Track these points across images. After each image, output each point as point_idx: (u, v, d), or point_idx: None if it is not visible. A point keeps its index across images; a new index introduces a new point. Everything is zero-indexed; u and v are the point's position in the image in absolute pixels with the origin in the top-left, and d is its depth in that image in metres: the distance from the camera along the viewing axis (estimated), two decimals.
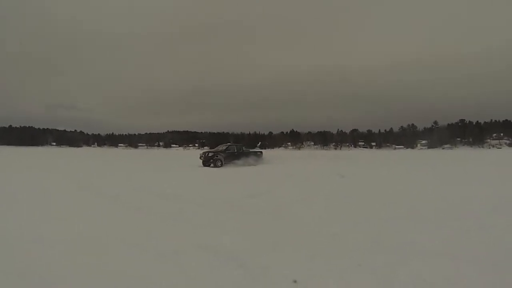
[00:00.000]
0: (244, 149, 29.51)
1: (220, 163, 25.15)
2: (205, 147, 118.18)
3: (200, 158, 26.27)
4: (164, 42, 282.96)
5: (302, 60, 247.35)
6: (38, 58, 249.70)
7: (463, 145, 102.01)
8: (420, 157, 44.14)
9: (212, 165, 25.13)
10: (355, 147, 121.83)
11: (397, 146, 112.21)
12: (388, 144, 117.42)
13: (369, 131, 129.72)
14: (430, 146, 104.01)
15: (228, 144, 30.64)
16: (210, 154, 26.06)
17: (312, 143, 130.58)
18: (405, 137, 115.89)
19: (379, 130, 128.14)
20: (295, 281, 3.75)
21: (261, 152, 30.95)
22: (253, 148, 34.02)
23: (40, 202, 9.16)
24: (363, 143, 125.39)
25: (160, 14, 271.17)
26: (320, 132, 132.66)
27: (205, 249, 4.92)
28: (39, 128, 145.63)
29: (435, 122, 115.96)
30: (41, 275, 3.99)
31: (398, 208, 8.22)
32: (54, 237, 5.62)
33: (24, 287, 3.76)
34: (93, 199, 9.86)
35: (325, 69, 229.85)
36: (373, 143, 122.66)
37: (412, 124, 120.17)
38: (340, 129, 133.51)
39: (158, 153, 70.70)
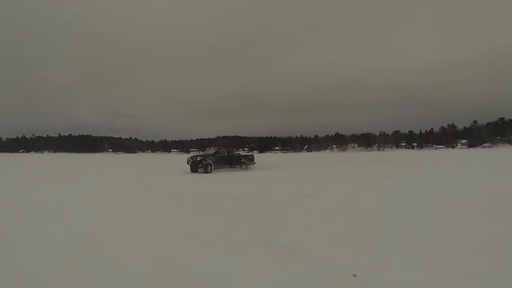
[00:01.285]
0: (234, 152, 27.45)
1: (210, 168, 22.90)
2: (254, 151, 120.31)
3: (188, 163, 23.94)
4: (213, 52, 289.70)
5: (345, 64, 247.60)
6: (95, 73, 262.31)
7: (503, 143, 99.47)
8: (461, 155, 43.50)
9: (201, 170, 22.99)
10: (397, 148, 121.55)
11: (437, 146, 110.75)
12: (429, 144, 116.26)
13: (410, 132, 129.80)
14: (470, 145, 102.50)
15: (218, 147, 27.67)
16: (198, 158, 23.45)
17: (356, 145, 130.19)
18: (445, 136, 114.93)
19: (420, 130, 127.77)
20: (354, 275, 3.85)
21: (252, 156, 28.17)
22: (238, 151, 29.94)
23: (114, 202, 9.88)
24: (405, 144, 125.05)
25: (207, 26, 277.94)
26: (364, 134, 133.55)
27: (269, 245, 5.07)
28: (96, 136, 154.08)
29: (475, 121, 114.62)
30: (128, 265, 4.24)
31: (444, 204, 8.13)
32: (126, 233, 5.98)
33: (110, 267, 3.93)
34: (158, 199, 10.35)
35: (366, 72, 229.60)
36: (415, 144, 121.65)
37: (452, 124, 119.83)
38: (382, 131, 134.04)
39: None
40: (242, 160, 25.91)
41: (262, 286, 3.64)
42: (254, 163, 26.99)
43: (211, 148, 28.85)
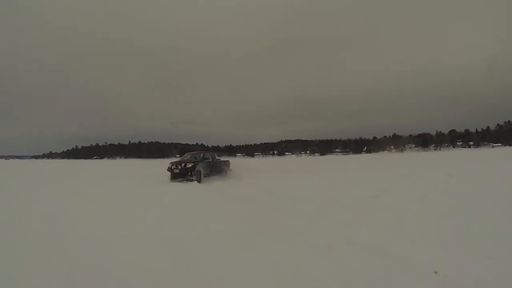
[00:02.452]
0: (216, 158, 23.36)
1: (200, 176, 19.01)
2: (316, 154, 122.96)
3: (169, 170, 19.65)
4: (272, 58, 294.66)
5: (402, 64, 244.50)
6: (161, 83, 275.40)
7: None
8: None
9: (188, 179, 18.79)
10: (453, 147, 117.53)
11: (494, 144, 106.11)
12: (485, 143, 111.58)
13: (466, 130, 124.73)
14: None
15: (204, 152, 22.76)
16: (188, 165, 19.09)
17: (413, 145, 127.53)
18: (502, 134, 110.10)
19: (476, 129, 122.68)
20: (435, 272, 3.87)
21: (228, 161, 24.77)
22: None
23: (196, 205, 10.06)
24: (461, 143, 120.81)
25: (266, 33, 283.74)
26: (420, 134, 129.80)
27: (351, 243, 5.11)
28: (164, 143, 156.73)
29: None
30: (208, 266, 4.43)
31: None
32: (210, 232, 6.08)
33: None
34: (233, 201, 10.59)
35: (421, 70, 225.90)
36: (471, 142, 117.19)
37: (509, 121, 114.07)
38: (438, 131, 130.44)
39: (272, 161, 69.27)
40: (223, 167, 22.82)
41: (352, 281, 3.74)
42: (230, 169, 23.81)
43: (195, 152, 23.52)
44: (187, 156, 22.36)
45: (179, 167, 19.35)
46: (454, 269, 3.96)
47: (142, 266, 4.43)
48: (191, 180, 18.61)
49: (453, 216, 6.79)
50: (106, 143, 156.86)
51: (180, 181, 18.73)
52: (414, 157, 52.29)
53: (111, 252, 5.06)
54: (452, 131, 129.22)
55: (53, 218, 7.76)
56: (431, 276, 3.81)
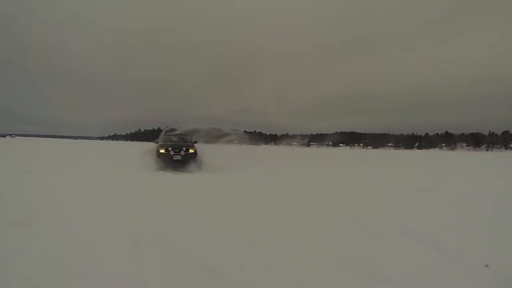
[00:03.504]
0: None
1: (201, 164, 15.19)
2: (369, 147, 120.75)
3: (163, 155, 14.52)
4: (330, 54, 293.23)
5: (457, 62, 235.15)
6: (222, 73, 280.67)
7: None
8: None
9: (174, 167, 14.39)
10: (505, 148, 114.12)
11: None
12: None
13: None
14: None
15: (186, 133, 18.44)
16: (191, 150, 14.98)
17: (465, 144, 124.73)
18: None
19: None
20: (486, 266, 3.81)
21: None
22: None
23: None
24: None
25: (324, 31, 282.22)
26: (472, 133, 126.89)
27: (407, 233, 5.11)
28: (224, 130, 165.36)
29: None
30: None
31: None
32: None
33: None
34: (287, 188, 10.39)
35: (473, 67, 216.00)
36: None
37: None
38: (491, 131, 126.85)
39: (327, 152, 69.52)
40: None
41: (404, 270, 3.70)
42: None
43: (172, 133, 18.65)
44: (170, 137, 16.95)
45: (181, 152, 14.60)
46: (505, 264, 3.91)
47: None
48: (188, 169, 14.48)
49: (503, 215, 6.75)
50: (167, 127, 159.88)
51: (167, 170, 13.98)
52: (465, 156, 50.62)
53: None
54: (505, 132, 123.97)
55: None
56: (482, 269, 3.80)
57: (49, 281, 3.17)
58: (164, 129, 21.64)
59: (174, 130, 20.57)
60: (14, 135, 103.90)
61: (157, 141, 16.76)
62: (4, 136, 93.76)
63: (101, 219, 5.50)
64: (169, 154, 14.52)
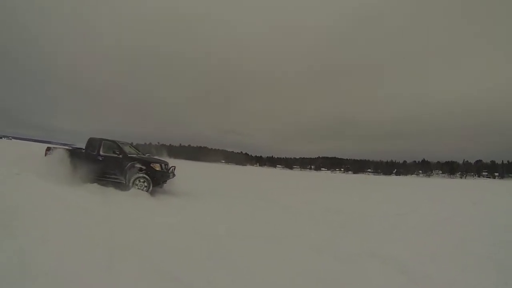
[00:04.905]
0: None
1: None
2: (349, 172, 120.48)
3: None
4: (313, 79, 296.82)
5: (431, 92, 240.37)
6: (210, 92, 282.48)
7: None
8: None
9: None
10: (478, 176, 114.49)
11: None
12: (510, 175, 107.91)
13: (493, 161, 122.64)
14: None
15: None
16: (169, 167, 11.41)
17: (440, 172, 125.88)
18: None
19: (502, 161, 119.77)
20: None
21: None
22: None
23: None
24: (486, 173, 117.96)
25: (307, 57, 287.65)
26: (448, 162, 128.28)
27: (375, 255, 4.95)
28: (211, 148, 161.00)
29: None
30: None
31: None
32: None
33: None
34: (273, 209, 9.94)
35: (450, 101, 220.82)
36: (496, 174, 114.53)
37: None
38: (465, 160, 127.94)
39: (310, 175, 70.48)
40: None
41: None
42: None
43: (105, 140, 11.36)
44: (111, 145, 11.16)
45: (161, 168, 10.87)
46: None
47: None
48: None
49: (474, 241, 6.60)
50: (158, 143, 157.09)
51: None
52: (440, 183, 51.16)
53: None
54: (478, 161, 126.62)
55: None
56: None
57: None
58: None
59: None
60: (10, 138, 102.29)
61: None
62: (1, 138, 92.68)
63: None
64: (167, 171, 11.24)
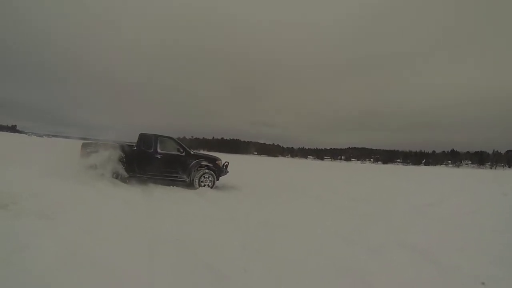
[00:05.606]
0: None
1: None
2: (379, 162, 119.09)
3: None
4: (339, 72, 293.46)
5: (461, 82, 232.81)
6: (243, 87, 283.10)
7: None
8: None
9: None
10: (509, 167, 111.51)
11: None
12: None
13: None
14: None
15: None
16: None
17: (470, 162, 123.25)
18: None
19: None
20: (483, 283, 3.63)
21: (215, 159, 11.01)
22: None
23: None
24: None
25: (336, 50, 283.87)
26: (477, 152, 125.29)
27: (405, 245, 4.92)
28: (244, 141, 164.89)
29: None
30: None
31: None
32: None
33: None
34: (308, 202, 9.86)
35: (479, 90, 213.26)
36: None
37: None
38: (495, 150, 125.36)
39: (340, 166, 70.53)
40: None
41: (396, 281, 3.57)
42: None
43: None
44: (170, 142, 10.63)
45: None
46: (502, 283, 3.75)
47: None
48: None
49: (503, 233, 6.42)
50: (192, 136, 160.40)
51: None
52: (470, 173, 49.52)
53: None
54: (509, 151, 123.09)
55: None
56: (478, 287, 3.63)
57: None
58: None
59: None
60: (50, 136, 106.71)
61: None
62: (42, 136, 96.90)
63: None
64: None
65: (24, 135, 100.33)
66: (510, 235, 6.24)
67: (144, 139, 10.23)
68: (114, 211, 5.76)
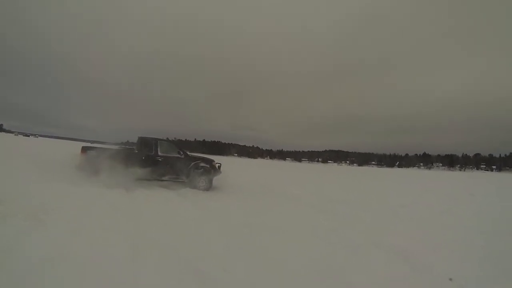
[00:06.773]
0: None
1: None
2: (354, 164, 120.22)
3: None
4: (319, 79, 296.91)
5: (432, 89, 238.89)
6: (224, 93, 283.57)
7: None
8: None
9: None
10: (477, 169, 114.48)
11: None
12: (507, 168, 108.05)
13: (490, 155, 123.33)
14: None
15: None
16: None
17: (440, 164, 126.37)
18: None
19: (500, 154, 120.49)
20: (450, 279, 3.72)
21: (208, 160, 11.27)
22: None
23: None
24: (484, 166, 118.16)
25: (317, 57, 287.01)
26: (448, 155, 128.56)
27: (380, 246, 4.95)
28: (225, 143, 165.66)
29: None
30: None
31: None
32: None
33: None
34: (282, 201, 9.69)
35: (450, 96, 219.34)
36: (493, 166, 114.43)
37: None
38: (464, 153, 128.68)
39: (318, 167, 69.86)
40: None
41: (373, 279, 3.61)
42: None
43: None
44: (170, 145, 10.82)
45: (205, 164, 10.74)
46: (472, 280, 3.83)
47: None
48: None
49: (471, 232, 6.60)
50: (175, 138, 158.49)
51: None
52: (440, 175, 50.67)
53: None
54: (477, 155, 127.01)
55: None
56: (445, 283, 3.73)
57: None
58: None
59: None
60: (37, 135, 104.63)
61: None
62: (28, 136, 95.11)
63: None
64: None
65: (11, 134, 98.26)
66: (478, 234, 6.43)
67: (145, 142, 10.27)
68: (102, 213, 5.65)
